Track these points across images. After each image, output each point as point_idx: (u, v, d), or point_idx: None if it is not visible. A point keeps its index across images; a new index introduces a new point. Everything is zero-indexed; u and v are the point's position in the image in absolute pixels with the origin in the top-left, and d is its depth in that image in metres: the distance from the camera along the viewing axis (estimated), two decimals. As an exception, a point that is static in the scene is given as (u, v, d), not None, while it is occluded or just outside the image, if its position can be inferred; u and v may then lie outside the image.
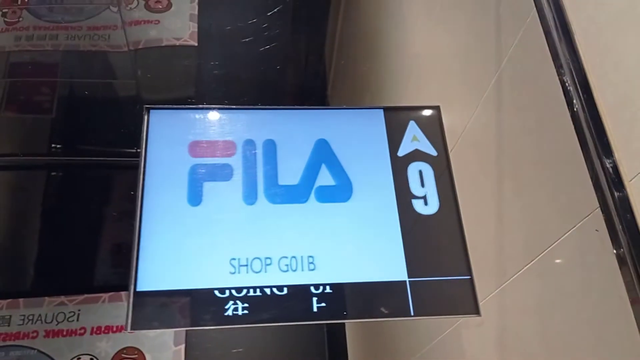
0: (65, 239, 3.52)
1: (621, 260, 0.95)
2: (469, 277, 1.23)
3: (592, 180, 1.02)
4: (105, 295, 3.38)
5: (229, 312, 1.14)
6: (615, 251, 0.96)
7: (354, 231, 1.26)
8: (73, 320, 3.30)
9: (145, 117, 1.31)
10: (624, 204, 0.96)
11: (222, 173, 1.28)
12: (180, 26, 3.44)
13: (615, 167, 0.99)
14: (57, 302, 3.34)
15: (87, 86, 3.68)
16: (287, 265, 1.20)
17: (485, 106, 1.49)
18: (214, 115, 1.36)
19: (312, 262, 1.21)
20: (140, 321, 1.12)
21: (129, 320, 1.11)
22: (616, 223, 0.97)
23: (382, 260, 1.24)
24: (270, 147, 1.33)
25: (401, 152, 1.36)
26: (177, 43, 3.38)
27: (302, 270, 1.20)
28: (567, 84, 1.09)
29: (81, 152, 3.71)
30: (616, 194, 0.98)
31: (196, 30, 3.41)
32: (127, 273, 1.17)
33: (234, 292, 1.16)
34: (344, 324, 3.52)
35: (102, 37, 3.41)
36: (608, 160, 1.00)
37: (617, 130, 0.99)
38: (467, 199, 1.39)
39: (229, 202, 1.26)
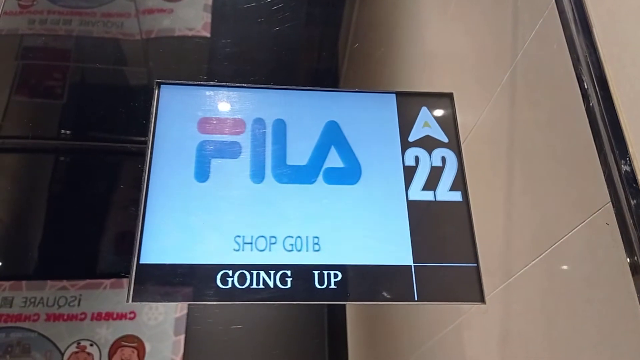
0: (70, 223, 3.53)
1: (634, 265, 0.93)
2: (475, 264, 1.22)
3: (604, 175, 1.01)
4: (107, 282, 3.39)
5: (230, 289, 1.13)
6: (628, 257, 0.95)
7: (360, 214, 1.25)
8: (74, 305, 3.30)
9: (156, 92, 1.30)
10: (637, 199, 0.95)
11: (231, 150, 1.28)
12: (193, 16, 3.44)
13: (629, 161, 0.98)
14: (59, 286, 3.35)
15: (98, 73, 3.69)
16: (292, 245, 1.19)
17: (499, 100, 1.48)
18: (224, 93, 1.35)
19: (317, 243, 1.20)
20: (141, 294, 1.11)
21: (131, 292, 1.10)
22: (627, 217, 0.95)
23: (388, 244, 1.22)
24: (280, 127, 1.32)
25: (412, 138, 1.35)
26: (190, 34, 3.38)
27: (307, 250, 1.19)
28: (583, 78, 1.08)
29: (90, 138, 3.72)
30: (628, 188, 0.96)
31: (210, 21, 3.41)
32: (130, 260, 1.16)
33: (236, 269, 1.15)
34: (344, 305, 3.52)
35: (116, 24, 3.42)
36: (622, 154, 0.98)
37: (634, 124, 0.98)
38: (477, 193, 1.38)
39: (236, 179, 1.25)
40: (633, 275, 0.94)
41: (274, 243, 1.19)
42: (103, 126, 3.66)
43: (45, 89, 3.64)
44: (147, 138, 1.25)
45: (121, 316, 3.32)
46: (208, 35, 3.37)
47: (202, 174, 1.25)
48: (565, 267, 1.16)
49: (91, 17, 3.43)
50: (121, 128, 3.59)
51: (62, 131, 3.74)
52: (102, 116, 3.63)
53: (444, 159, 1.33)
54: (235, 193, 1.23)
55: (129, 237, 3.58)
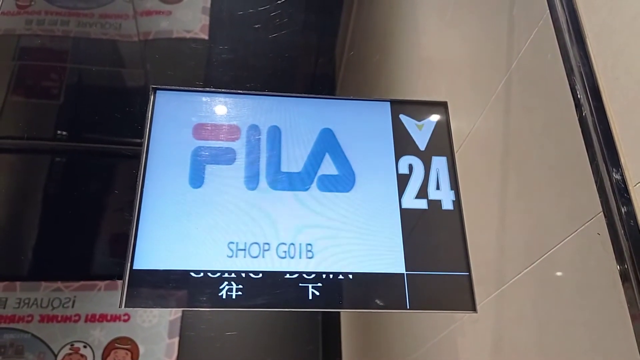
0: (65, 224, 3.52)
1: (624, 274, 0.94)
2: (467, 273, 1.22)
3: (596, 184, 1.02)
4: (101, 284, 3.37)
5: (224, 295, 1.13)
6: (618, 266, 0.95)
7: (354, 222, 1.25)
8: (68, 307, 3.29)
9: (152, 98, 1.31)
10: (628, 209, 0.95)
11: (225, 157, 1.28)
12: (191, 18, 3.43)
13: (621, 172, 0.98)
14: (53, 287, 3.33)
15: (95, 74, 3.68)
16: (285, 252, 1.19)
17: (493, 108, 1.49)
18: (220, 99, 1.35)
19: (310, 250, 1.20)
20: (134, 299, 1.11)
21: (124, 298, 1.10)
22: (618, 228, 0.96)
23: (381, 251, 1.23)
24: (275, 134, 1.32)
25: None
26: (188, 36, 3.38)
27: (300, 257, 1.19)
28: (576, 88, 1.09)
29: (86, 140, 3.71)
30: (620, 198, 0.97)
31: (207, 23, 3.40)
32: (124, 263, 1.16)
33: (229, 275, 1.16)
34: (339, 313, 3.51)
35: (113, 25, 3.41)
36: (613, 164, 0.99)
37: (625, 135, 0.98)
38: (470, 201, 1.38)
39: (231, 185, 1.25)
40: (623, 283, 0.94)
41: (267, 250, 1.19)
42: (99, 128, 3.65)
43: (41, 89, 3.63)
44: (142, 143, 1.25)
45: (115, 318, 3.31)
46: (206, 37, 3.37)
47: (197, 179, 1.25)
48: (557, 275, 1.17)
49: (89, 18, 3.42)
50: (118, 130, 3.58)
51: (58, 132, 3.73)
52: (99, 118, 3.62)
53: (437, 167, 1.34)
54: (229, 199, 1.23)
55: (123, 239, 3.55)
